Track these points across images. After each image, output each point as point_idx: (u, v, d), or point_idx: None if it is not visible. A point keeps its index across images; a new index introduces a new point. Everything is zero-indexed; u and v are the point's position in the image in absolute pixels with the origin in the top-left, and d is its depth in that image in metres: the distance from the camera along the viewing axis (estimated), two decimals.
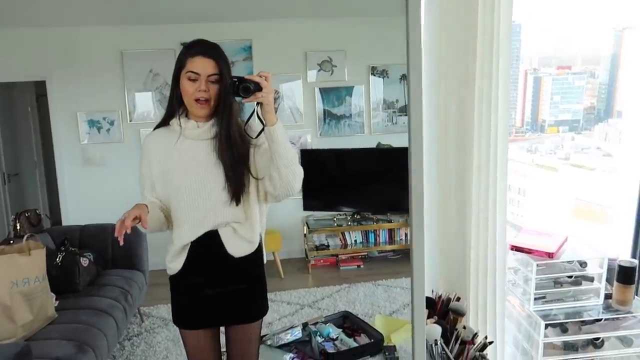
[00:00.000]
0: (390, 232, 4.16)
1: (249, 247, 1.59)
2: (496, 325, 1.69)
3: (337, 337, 2.68)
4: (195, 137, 1.51)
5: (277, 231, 3.81)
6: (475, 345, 1.49)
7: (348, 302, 3.22)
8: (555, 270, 1.67)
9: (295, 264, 4.08)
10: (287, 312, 3.12)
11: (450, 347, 1.50)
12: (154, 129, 1.59)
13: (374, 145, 4.37)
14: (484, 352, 1.51)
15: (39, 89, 4.75)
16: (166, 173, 1.54)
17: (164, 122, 1.56)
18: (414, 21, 1.13)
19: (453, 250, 1.75)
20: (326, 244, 4.02)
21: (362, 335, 2.69)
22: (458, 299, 1.69)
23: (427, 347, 1.37)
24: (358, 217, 4.09)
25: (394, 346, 2.63)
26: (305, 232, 4.08)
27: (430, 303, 1.64)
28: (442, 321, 1.58)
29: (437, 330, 1.50)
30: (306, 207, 3.99)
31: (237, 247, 1.56)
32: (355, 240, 4.06)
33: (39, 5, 3.48)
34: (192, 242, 1.54)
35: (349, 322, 2.86)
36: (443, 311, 1.65)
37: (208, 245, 1.55)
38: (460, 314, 1.59)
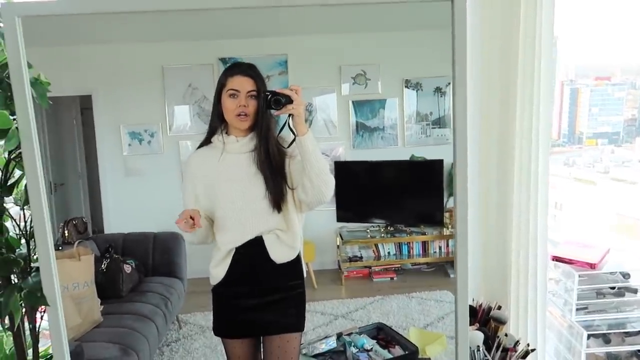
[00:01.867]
0: (424, 244, 4.14)
1: (291, 253, 1.66)
2: (537, 334, 1.68)
3: (372, 348, 2.70)
4: (236, 151, 1.62)
5: (311, 242, 3.85)
6: (517, 353, 1.49)
7: (382, 314, 3.22)
8: (597, 281, 1.66)
9: (329, 275, 4.11)
10: (321, 322, 3.14)
11: (492, 354, 1.51)
12: (197, 147, 1.69)
13: (407, 158, 4.38)
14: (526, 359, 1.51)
15: (84, 103, 4.96)
16: (211, 187, 1.63)
17: (207, 141, 1.67)
18: (460, 35, 1.16)
19: (494, 260, 1.76)
20: (359, 256, 4.04)
21: (396, 347, 2.70)
22: (499, 308, 1.69)
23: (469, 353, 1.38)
24: (391, 229, 4.09)
25: (429, 359, 2.63)
26: (338, 244, 4.11)
27: (472, 311, 1.65)
28: (484, 328, 1.59)
29: (479, 336, 1.52)
30: (339, 219, 4.01)
31: (279, 252, 1.64)
32: (389, 252, 4.06)
33: (87, 24, 3.66)
34: (236, 248, 1.61)
35: (383, 334, 2.87)
36: (484, 319, 1.65)
37: (252, 252, 1.62)
38: (501, 322, 1.60)
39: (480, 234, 1.76)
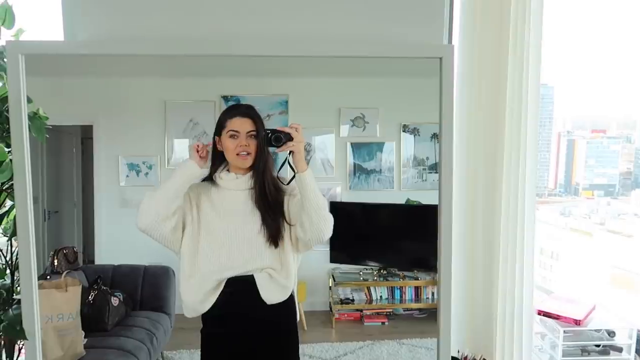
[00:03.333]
0: (417, 289, 4.10)
1: (283, 294, 1.65)
2: None
3: None
4: (234, 188, 1.65)
5: (303, 282, 3.82)
6: None
7: (371, 359, 3.16)
8: (582, 337, 1.64)
9: (319, 316, 4.05)
10: None
11: None
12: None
13: (403, 201, 4.40)
14: None
15: (85, 132, 5.01)
16: (206, 215, 1.64)
17: (208, 178, 1.70)
18: (446, 82, 1.20)
19: (480, 311, 1.75)
20: (351, 298, 4.00)
21: None
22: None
23: None
24: (384, 272, 4.07)
25: None
26: (330, 285, 4.07)
27: None
28: None
29: None
30: (333, 260, 4.00)
31: (271, 292, 1.63)
32: (381, 296, 4.02)
33: (91, 58, 3.74)
34: (225, 283, 1.60)
35: None
36: None
37: (241, 290, 1.61)
38: None
39: (467, 284, 1.76)
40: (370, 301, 4.01)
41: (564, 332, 1.60)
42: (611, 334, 1.64)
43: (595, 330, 1.63)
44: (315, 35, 2.12)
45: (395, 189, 4.83)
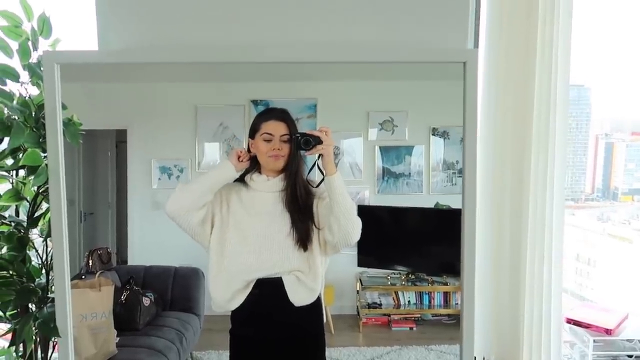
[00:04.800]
0: (446, 295, 4.04)
1: (310, 296, 1.67)
2: None
3: None
4: (265, 190, 1.68)
5: (331, 285, 3.82)
6: None
7: None
8: (613, 347, 1.59)
9: (347, 320, 4.04)
10: None
11: None
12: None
13: (432, 205, 4.34)
14: None
15: (119, 136, 5.15)
16: (235, 215, 1.66)
17: (240, 179, 1.73)
18: (470, 87, 1.19)
19: (506, 317, 1.72)
20: (379, 303, 3.97)
21: None
22: None
23: None
24: (413, 277, 4.03)
25: None
26: (358, 289, 4.06)
27: None
28: None
29: None
30: (360, 263, 3.98)
31: (298, 295, 1.65)
32: (409, 301, 3.97)
33: (124, 64, 3.86)
34: (253, 286, 1.61)
35: None
36: None
37: (269, 292, 1.63)
38: None
39: (493, 290, 1.73)
40: (398, 306, 3.97)
41: (594, 341, 1.56)
42: None
43: (628, 340, 1.58)
44: (341, 40, 2.13)
45: (424, 192, 4.78)
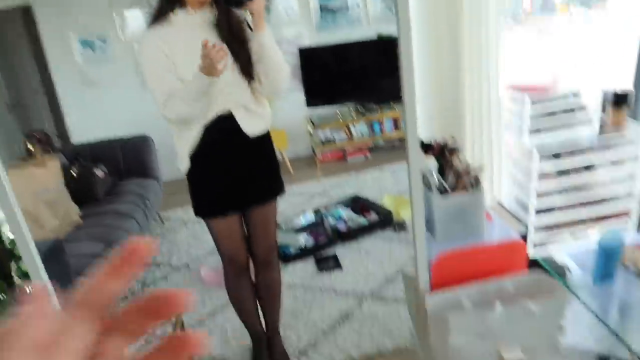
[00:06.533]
0: (395, 120, 4.17)
1: (263, 125, 1.67)
2: (493, 161, 1.76)
3: (348, 217, 2.81)
4: (195, 24, 1.56)
5: (282, 130, 3.85)
6: (470, 173, 1.57)
7: (357, 188, 3.32)
8: (550, 103, 1.70)
9: (304, 161, 4.17)
10: (299, 201, 3.24)
11: (446, 179, 1.59)
12: (148, 26, 1.60)
13: (373, 36, 4.25)
14: (480, 178, 1.59)
15: (27, 18, 4.65)
16: (175, 64, 1.57)
17: (159, 18, 1.57)
18: None
19: (448, 99, 1.79)
20: (332, 139, 4.07)
21: (372, 213, 2.82)
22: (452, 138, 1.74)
23: (423, 179, 1.46)
24: (362, 109, 4.09)
25: (403, 221, 2.75)
26: (310, 130, 4.12)
27: (428, 146, 1.70)
28: (439, 157, 1.65)
29: (433, 163, 1.60)
30: (309, 104, 3.98)
31: (251, 124, 1.65)
32: (361, 133, 4.09)
33: None
34: (205, 126, 1.59)
35: (358, 204, 2.97)
36: (441, 152, 1.70)
37: (222, 127, 1.61)
38: (455, 150, 1.64)
39: (432, 76, 1.76)
40: (350, 138, 4.10)
41: (532, 101, 1.66)
42: (576, 95, 1.69)
43: (562, 96, 1.68)
44: None
45: (364, 24, 4.65)
